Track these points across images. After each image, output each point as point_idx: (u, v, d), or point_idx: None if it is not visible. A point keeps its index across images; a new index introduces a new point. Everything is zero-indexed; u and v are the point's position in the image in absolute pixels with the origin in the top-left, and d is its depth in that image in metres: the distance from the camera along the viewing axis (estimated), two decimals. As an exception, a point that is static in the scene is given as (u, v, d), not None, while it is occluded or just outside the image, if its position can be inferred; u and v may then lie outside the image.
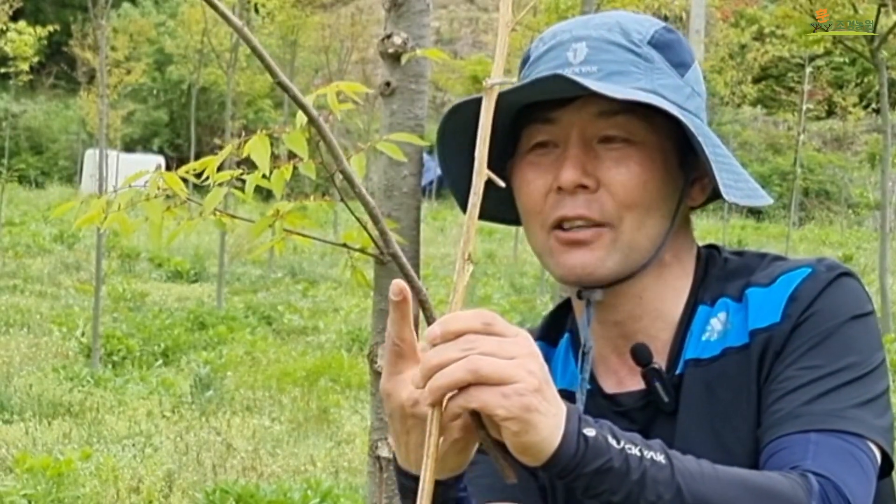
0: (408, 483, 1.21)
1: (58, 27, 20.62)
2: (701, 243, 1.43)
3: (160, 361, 10.71)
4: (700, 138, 1.27)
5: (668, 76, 1.34)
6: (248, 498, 5.90)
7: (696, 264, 1.39)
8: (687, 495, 1.10)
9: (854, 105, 25.70)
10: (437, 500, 1.13)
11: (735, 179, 1.33)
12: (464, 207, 1.30)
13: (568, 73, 1.28)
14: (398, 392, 1.14)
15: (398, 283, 1.10)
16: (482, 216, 1.47)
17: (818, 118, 29.45)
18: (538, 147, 1.35)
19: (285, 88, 1.05)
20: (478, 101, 1.15)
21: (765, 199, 1.36)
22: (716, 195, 1.38)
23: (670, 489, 1.09)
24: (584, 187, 1.31)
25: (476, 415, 1.07)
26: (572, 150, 1.32)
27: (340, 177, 1.16)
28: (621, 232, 1.31)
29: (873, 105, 23.88)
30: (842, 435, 1.21)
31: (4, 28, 17.60)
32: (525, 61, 1.41)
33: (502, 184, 1.08)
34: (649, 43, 1.34)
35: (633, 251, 1.32)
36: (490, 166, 1.08)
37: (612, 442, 1.09)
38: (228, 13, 1.01)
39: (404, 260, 1.11)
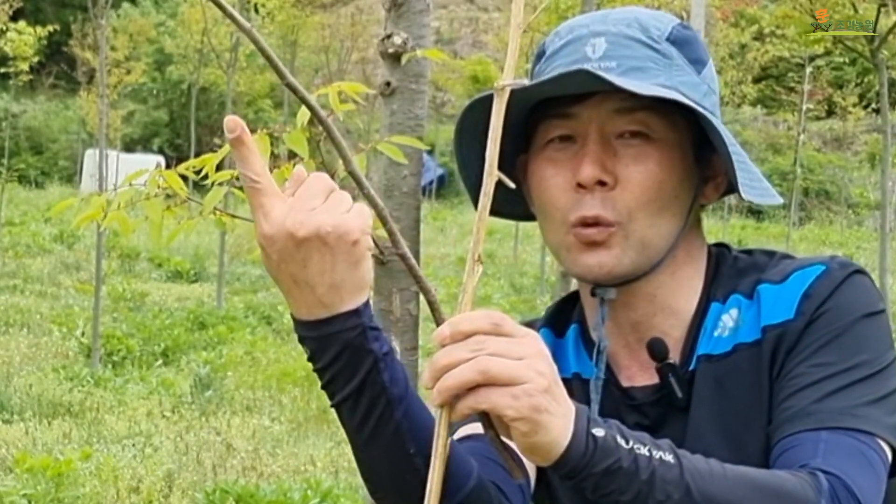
0: (312, 333, 1.14)
1: (58, 27, 20.61)
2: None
3: (160, 361, 10.72)
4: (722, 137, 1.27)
5: (686, 73, 1.34)
6: (248, 498, 5.90)
7: (708, 262, 1.39)
8: (696, 495, 1.10)
9: (854, 105, 25.69)
10: (348, 338, 1.13)
11: (750, 178, 1.33)
12: (476, 203, 1.31)
13: (587, 68, 1.27)
14: (280, 225, 1.09)
15: (231, 119, 1.08)
16: (491, 211, 1.47)
17: (818, 118, 29.45)
18: (555, 142, 1.34)
19: (294, 90, 1.05)
20: (490, 97, 1.15)
21: (776, 199, 1.36)
22: (727, 193, 1.39)
23: (679, 489, 1.09)
24: (602, 184, 1.30)
25: (485, 415, 1.07)
26: (591, 146, 1.31)
27: (341, 177, 1.16)
28: (632, 230, 1.31)
29: (873, 105, 23.88)
30: (852, 433, 1.20)
31: (4, 28, 17.60)
32: (540, 56, 1.40)
33: (512, 185, 1.08)
34: (667, 39, 1.34)
35: (646, 248, 1.32)
36: (502, 160, 1.08)
37: (621, 442, 1.08)
38: (237, 15, 1.01)
39: (413, 261, 1.10)
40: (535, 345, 1.06)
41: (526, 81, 1.14)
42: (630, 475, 1.08)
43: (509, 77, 1.08)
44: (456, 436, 1.30)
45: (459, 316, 1.06)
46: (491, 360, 1.03)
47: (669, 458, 1.10)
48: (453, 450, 1.21)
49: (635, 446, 1.09)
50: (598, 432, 1.08)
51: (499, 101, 1.08)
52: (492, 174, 1.07)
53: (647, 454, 1.09)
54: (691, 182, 1.35)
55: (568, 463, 1.07)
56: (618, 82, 1.24)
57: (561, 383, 1.07)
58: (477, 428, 1.25)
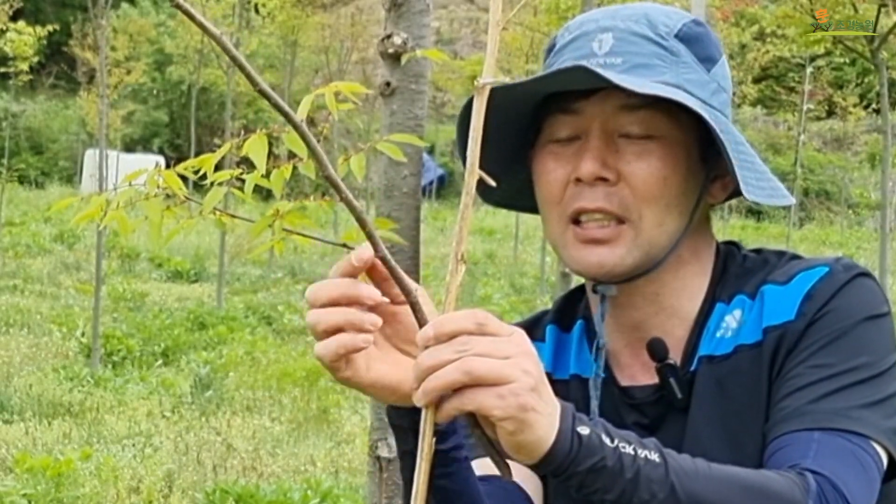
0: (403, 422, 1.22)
1: (58, 27, 20.62)
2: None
3: (160, 361, 10.72)
4: (723, 136, 1.26)
5: (693, 71, 1.32)
6: (248, 498, 5.90)
7: (715, 261, 1.38)
8: (681, 494, 1.09)
9: (854, 105, 25.69)
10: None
11: (757, 178, 1.31)
12: (485, 198, 1.30)
13: (592, 63, 1.26)
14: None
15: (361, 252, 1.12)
16: (502, 203, 1.47)
17: (818, 118, 29.43)
18: (560, 137, 1.34)
19: (266, 96, 1.05)
20: (497, 91, 1.14)
21: (787, 199, 1.35)
22: (737, 192, 1.36)
23: (664, 488, 1.09)
24: (603, 180, 1.30)
25: (471, 414, 1.06)
26: (593, 143, 1.30)
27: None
28: (642, 229, 1.30)
29: (873, 105, 23.87)
30: (846, 434, 1.20)
31: (4, 28, 17.59)
32: (550, 50, 1.40)
33: (493, 183, 1.07)
34: (676, 36, 1.33)
35: (652, 247, 1.31)
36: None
37: (606, 440, 1.08)
38: (205, 22, 1.00)
39: (394, 263, 1.09)
40: (521, 343, 1.05)
41: (507, 80, 1.14)
42: (614, 474, 1.08)
43: (489, 75, 1.07)
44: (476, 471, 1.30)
45: (443, 316, 1.05)
46: (476, 360, 1.02)
47: (655, 457, 1.10)
48: (476, 489, 1.24)
49: (620, 445, 1.09)
50: (583, 430, 1.07)
51: (479, 100, 1.07)
52: (473, 173, 1.06)
53: (632, 453, 1.09)
54: (697, 180, 1.34)
55: (553, 461, 1.07)
56: (616, 80, 1.23)
57: (546, 381, 1.07)
58: (489, 468, 1.27)
